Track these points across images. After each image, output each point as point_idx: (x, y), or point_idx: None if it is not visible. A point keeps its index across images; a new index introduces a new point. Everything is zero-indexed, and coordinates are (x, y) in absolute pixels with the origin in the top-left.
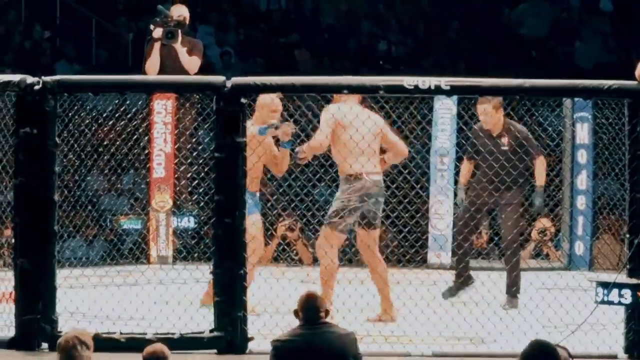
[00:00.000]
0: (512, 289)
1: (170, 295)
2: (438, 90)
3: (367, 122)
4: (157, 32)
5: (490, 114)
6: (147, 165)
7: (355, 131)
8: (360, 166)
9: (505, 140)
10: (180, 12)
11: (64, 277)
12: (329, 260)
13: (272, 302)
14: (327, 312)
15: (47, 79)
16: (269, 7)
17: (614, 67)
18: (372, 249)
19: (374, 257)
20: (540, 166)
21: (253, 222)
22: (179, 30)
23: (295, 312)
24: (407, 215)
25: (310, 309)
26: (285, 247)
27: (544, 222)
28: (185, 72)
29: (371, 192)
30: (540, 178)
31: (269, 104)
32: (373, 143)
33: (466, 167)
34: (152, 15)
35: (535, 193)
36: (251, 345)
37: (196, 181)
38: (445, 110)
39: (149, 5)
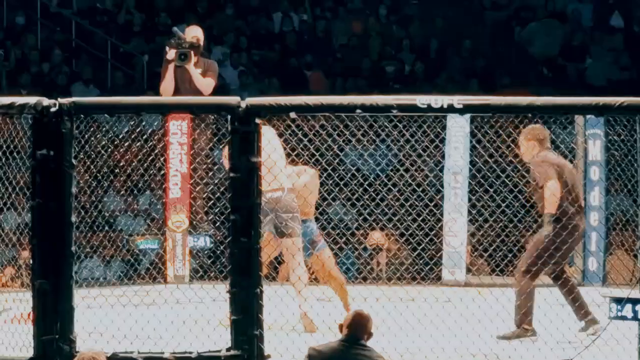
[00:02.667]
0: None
1: (187, 315)
2: (451, 109)
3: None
4: (171, 54)
5: (521, 144)
6: (163, 186)
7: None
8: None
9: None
10: (194, 33)
11: (81, 297)
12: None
13: (289, 320)
14: (370, 335)
15: (64, 101)
16: (282, 28)
17: (626, 84)
18: (294, 257)
19: (294, 262)
20: (546, 192)
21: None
22: (192, 52)
23: (340, 326)
24: (421, 233)
25: (354, 327)
26: None
27: None
28: (200, 93)
29: (266, 208)
30: (545, 205)
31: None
32: (267, 162)
33: None
34: (166, 36)
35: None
36: None
37: (212, 201)
38: (458, 128)
39: (164, 27)
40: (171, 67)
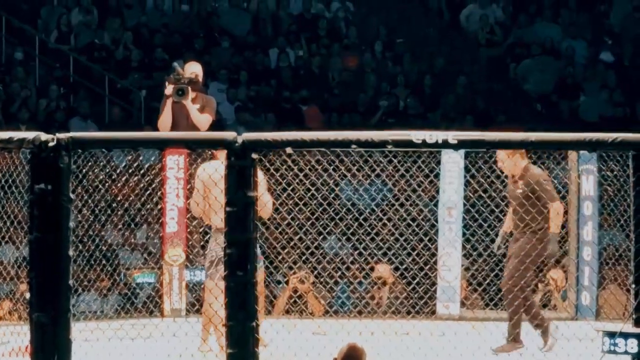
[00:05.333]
0: (510, 336)
1: (184, 348)
2: (445, 144)
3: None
4: (169, 89)
5: (502, 160)
6: (160, 220)
7: (220, 190)
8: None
9: (519, 185)
10: (193, 69)
11: (79, 330)
12: (213, 313)
13: (285, 354)
14: None
15: (62, 135)
16: (278, 64)
17: (619, 121)
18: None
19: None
20: (552, 212)
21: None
22: (190, 88)
23: None
24: (416, 267)
25: None
26: (297, 299)
27: (554, 274)
28: (197, 129)
29: None
30: (552, 224)
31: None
32: None
33: (509, 214)
34: (164, 72)
35: (548, 239)
36: None
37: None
38: (452, 163)
39: (161, 62)
40: (169, 102)
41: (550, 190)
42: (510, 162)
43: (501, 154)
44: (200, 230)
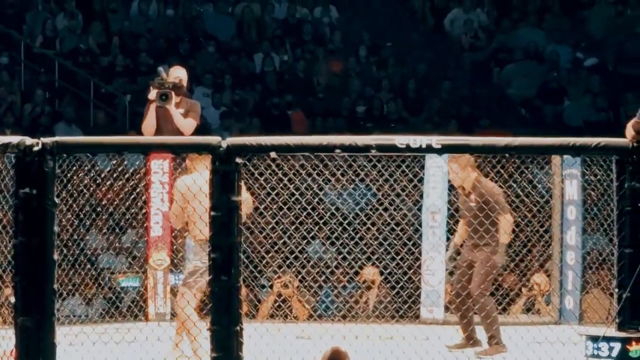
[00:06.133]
0: (491, 340)
1: (168, 352)
2: (429, 149)
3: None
4: (153, 94)
5: (455, 172)
6: (145, 224)
7: (199, 201)
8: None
9: (473, 197)
10: (177, 74)
11: (63, 334)
12: (186, 317)
13: (269, 359)
14: None
15: (46, 140)
16: (263, 68)
17: (602, 125)
18: None
19: None
20: (503, 224)
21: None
22: (172, 93)
23: None
24: (400, 271)
25: None
26: (281, 303)
27: (537, 279)
28: (181, 133)
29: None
30: (502, 235)
31: (202, 158)
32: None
33: (461, 226)
34: (149, 77)
35: (498, 251)
36: None
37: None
38: (436, 168)
39: (146, 67)
40: (153, 106)
41: (502, 202)
42: (462, 175)
43: (453, 166)
44: (185, 234)
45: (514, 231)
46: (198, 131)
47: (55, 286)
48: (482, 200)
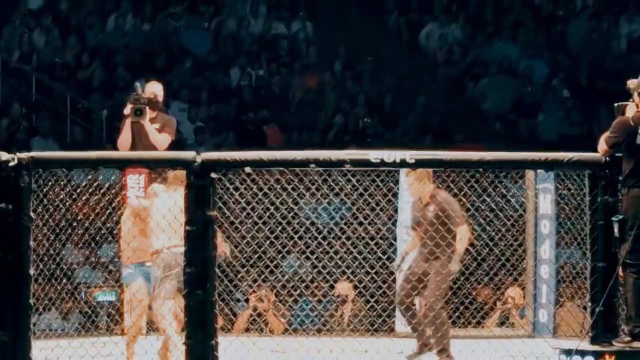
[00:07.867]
0: (441, 354)
1: None
2: (403, 164)
3: (167, 202)
4: (128, 109)
5: (412, 184)
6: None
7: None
8: (160, 243)
9: (431, 208)
10: (153, 89)
11: (39, 348)
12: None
13: None
14: None
15: (22, 155)
16: (239, 83)
17: (576, 140)
18: None
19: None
20: (460, 233)
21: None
22: (147, 108)
23: None
24: (374, 285)
25: None
26: (257, 317)
27: (511, 292)
28: (156, 148)
29: (171, 263)
30: (459, 243)
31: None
32: (173, 222)
33: (414, 236)
34: (125, 92)
35: (452, 259)
36: None
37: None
38: None
39: (123, 82)
40: (128, 121)
41: (459, 212)
42: (417, 186)
43: (410, 178)
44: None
45: (471, 243)
46: (173, 146)
47: (32, 301)
48: (439, 208)
